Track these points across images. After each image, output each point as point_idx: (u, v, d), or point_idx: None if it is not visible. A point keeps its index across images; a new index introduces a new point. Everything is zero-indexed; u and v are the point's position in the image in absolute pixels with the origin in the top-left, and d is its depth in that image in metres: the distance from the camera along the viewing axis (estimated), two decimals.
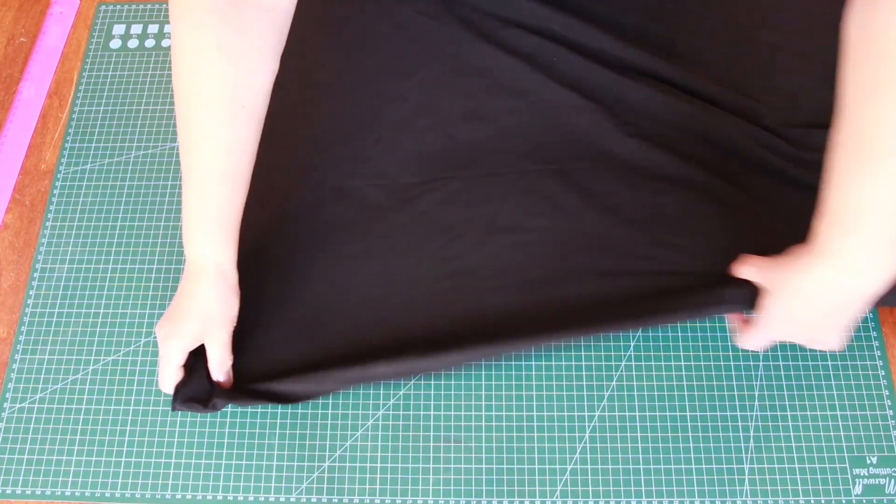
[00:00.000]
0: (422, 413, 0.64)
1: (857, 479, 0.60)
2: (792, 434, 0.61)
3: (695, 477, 0.60)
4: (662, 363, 0.65)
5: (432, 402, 0.64)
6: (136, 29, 0.83)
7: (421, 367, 0.63)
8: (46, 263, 0.71)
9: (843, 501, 0.59)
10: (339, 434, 0.63)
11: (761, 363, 0.64)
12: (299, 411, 0.64)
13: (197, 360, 0.63)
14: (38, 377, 0.66)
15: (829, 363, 0.64)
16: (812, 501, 0.59)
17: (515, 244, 0.67)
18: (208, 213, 0.60)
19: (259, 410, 0.64)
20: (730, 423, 0.62)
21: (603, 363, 0.65)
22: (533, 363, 0.65)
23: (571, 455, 0.61)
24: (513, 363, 0.65)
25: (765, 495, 0.60)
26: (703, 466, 0.61)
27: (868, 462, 0.60)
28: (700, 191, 0.68)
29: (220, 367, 0.63)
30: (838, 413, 0.62)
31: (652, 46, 0.76)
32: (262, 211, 0.70)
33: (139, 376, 0.66)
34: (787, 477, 0.60)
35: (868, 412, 0.62)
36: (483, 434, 0.63)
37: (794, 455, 0.61)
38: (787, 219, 0.66)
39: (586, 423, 0.63)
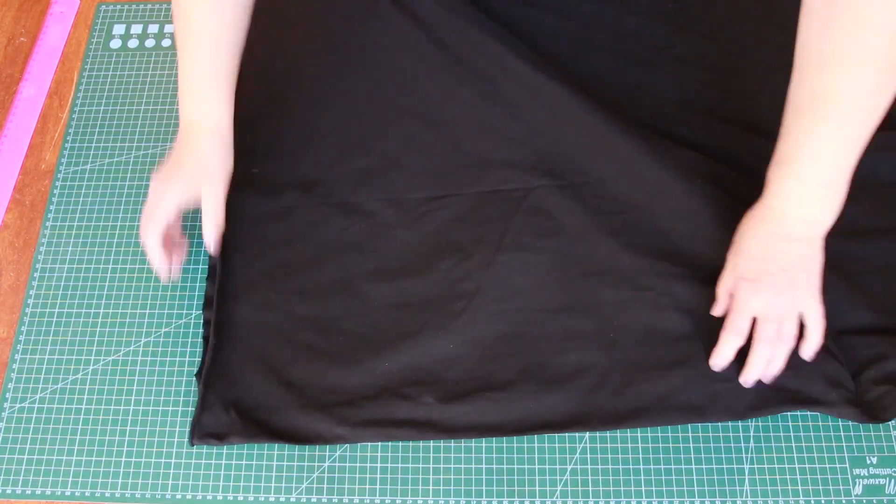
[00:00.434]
0: None
1: (857, 479, 0.60)
2: (792, 434, 0.61)
3: (695, 477, 0.60)
4: None
5: None
6: (136, 29, 0.83)
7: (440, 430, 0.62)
8: (46, 263, 0.71)
9: (843, 501, 0.59)
10: None
11: None
12: None
13: (208, 392, 0.63)
14: (38, 377, 0.66)
15: None
16: (812, 501, 0.59)
17: (523, 267, 0.67)
18: (204, 73, 0.64)
19: None
20: (730, 423, 0.62)
21: None
22: None
23: (571, 455, 0.61)
24: None
25: (765, 495, 0.60)
26: (703, 466, 0.61)
27: (868, 462, 0.60)
28: (708, 214, 0.67)
29: (213, 221, 0.64)
30: None
31: (652, 47, 0.76)
32: (268, 225, 0.70)
33: (139, 376, 0.66)
34: (787, 477, 0.60)
35: None
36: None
37: (794, 455, 0.61)
38: None
39: None
